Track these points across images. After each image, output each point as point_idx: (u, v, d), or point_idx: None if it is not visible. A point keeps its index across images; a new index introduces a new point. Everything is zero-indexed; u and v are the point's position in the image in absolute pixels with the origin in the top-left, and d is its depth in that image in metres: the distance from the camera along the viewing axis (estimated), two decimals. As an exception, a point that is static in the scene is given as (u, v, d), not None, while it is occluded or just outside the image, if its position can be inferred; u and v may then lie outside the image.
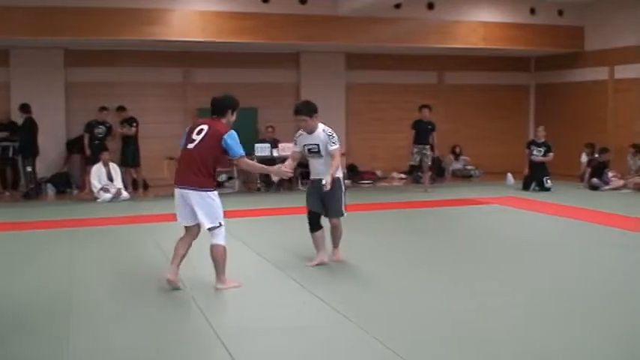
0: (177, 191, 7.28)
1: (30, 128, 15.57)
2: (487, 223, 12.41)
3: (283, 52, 18.62)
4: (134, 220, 12.41)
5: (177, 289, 7.28)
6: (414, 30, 17.64)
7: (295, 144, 8.50)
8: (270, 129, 17.26)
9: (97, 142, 15.99)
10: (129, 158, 16.57)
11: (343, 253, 8.60)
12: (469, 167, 19.92)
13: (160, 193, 16.05)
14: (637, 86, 17.96)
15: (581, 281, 7.74)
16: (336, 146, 8.08)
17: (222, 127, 7.26)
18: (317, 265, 8.35)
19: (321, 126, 8.20)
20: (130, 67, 17.57)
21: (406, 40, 17.73)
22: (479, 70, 20.72)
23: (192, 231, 7.38)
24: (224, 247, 7.28)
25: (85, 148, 16.06)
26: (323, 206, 8.28)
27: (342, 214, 8.31)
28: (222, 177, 17.35)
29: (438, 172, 19.54)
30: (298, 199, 14.17)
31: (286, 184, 16.94)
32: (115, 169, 15.58)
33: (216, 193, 7.22)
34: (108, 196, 14.99)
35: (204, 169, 7.13)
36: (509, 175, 18.06)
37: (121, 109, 16.86)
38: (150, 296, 7.20)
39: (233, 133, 7.20)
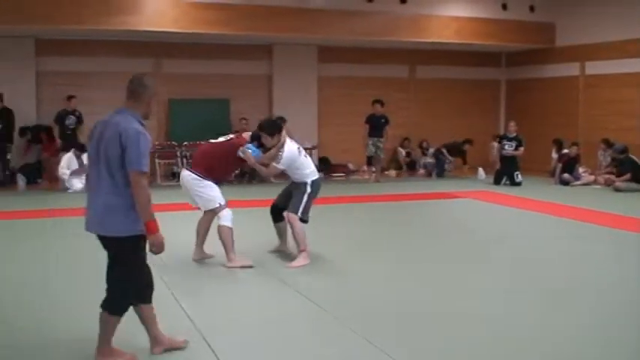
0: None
1: (8, 116, 15.68)
2: (459, 217, 12.48)
3: (256, 44, 18.52)
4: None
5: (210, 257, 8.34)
6: (387, 24, 17.64)
7: None
8: (243, 121, 17.13)
9: (68, 132, 15.84)
10: None
11: (310, 255, 8.30)
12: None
13: None
14: (607, 82, 18.10)
15: (547, 272, 7.84)
16: (277, 165, 8.18)
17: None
18: (275, 251, 8.79)
19: (287, 143, 8.26)
20: (101, 57, 17.32)
21: (378, 33, 17.72)
22: (450, 65, 20.73)
23: (207, 213, 8.17)
24: (229, 228, 7.94)
25: (54, 139, 15.87)
26: (287, 202, 8.37)
27: (297, 212, 8.17)
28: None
29: (410, 165, 19.69)
30: (272, 192, 14.16)
31: (258, 177, 16.86)
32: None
33: (206, 182, 7.95)
34: (80, 185, 14.87)
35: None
36: (480, 169, 18.16)
37: None
38: None
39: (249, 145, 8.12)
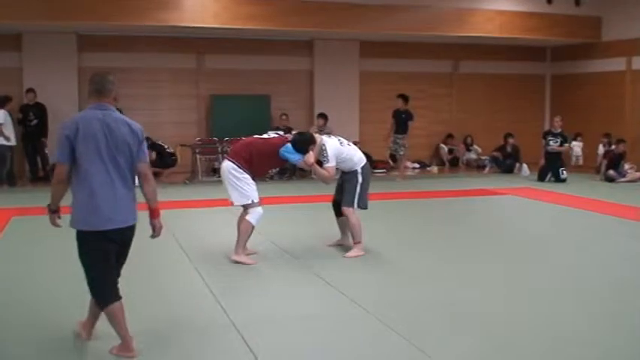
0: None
1: (42, 111, 15.76)
2: (503, 214, 12.36)
3: (297, 40, 18.46)
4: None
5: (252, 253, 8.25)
6: (430, 18, 17.43)
7: None
8: (284, 117, 17.06)
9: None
10: None
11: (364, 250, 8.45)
12: (483, 157, 19.65)
13: (173, 180, 16.10)
14: (655, 77, 17.73)
15: (595, 273, 7.75)
16: (327, 164, 8.22)
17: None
18: (335, 244, 8.84)
19: (325, 141, 8.31)
20: (142, 53, 17.41)
21: (421, 28, 17.50)
22: (494, 60, 20.49)
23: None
24: (252, 226, 7.98)
25: None
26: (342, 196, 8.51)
27: (353, 205, 8.32)
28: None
29: (452, 162, 19.60)
30: (311, 188, 14.11)
31: (299, 173, 16.79)
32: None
33: (245, 175, 7.89)
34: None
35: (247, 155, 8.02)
36: (525, 165, 17.91)
37: None
38: (165, 283, 7.20)
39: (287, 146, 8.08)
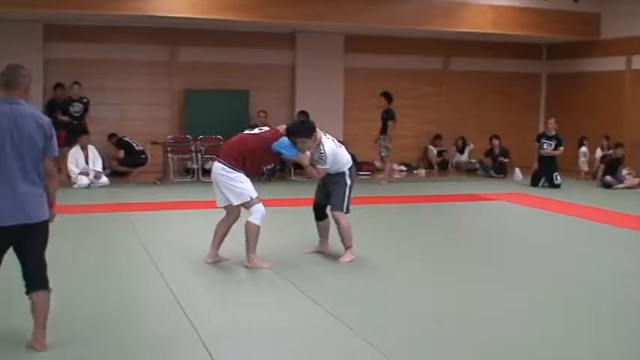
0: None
1: None
2: (493, 221, 12.08)
3: (278, 32, 17.79)
4: (113, 208, 11.94)
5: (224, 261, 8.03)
6: (419, 11, 16.78)
7: None
8: (262, 114, 16.22)
9: (75, 122, 15.09)
10: None
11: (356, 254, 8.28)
12: (474, 161, 18.96)
13: (143, 180, 15.50)
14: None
15: (587, 284, 7.54)
16: (321, 166, 8.07)
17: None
18: (313, 252, 8.57)
19: (323, 140, 8.09)
20: (113, 44, 16.62)
21: (410, 22, 16.87)
22: (486, 57, 19.82)
23: (231, 212, 7.92)
24: (257, 227, 7.72)
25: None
26: (328, 199, 8.33)
27: (342, 209, 8.14)
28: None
29: (441, 165, 19.03)
30: (291, 190, 13.52)
31: (278, 174, 16.00)
32: (94, 153, 14.73)
33: (237, 174, 7.65)
34: (85, 181, 14.12)
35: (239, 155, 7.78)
36: (517, 169, 17.28)
37: None
38: (130, 292, 6.92)
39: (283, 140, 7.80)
